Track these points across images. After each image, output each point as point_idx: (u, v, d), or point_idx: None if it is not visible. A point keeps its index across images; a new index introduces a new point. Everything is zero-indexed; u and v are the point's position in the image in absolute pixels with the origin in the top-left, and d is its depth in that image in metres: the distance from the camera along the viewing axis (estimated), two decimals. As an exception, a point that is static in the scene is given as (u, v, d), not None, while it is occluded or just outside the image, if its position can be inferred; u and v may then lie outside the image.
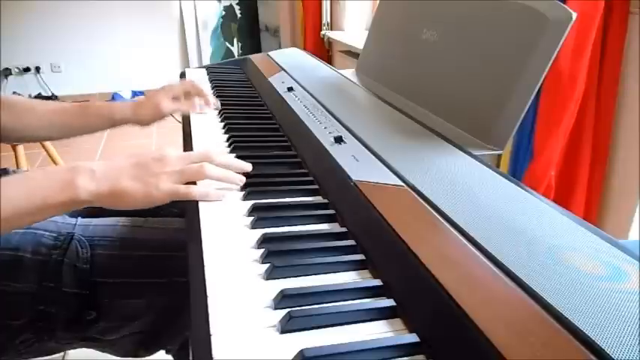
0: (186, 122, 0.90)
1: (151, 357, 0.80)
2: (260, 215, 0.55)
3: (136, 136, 3.25)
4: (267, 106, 0.99)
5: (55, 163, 2.32)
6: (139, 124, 0.91)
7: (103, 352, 0.77)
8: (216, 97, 1.03)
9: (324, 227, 0.55)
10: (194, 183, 0.58)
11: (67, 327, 0.68)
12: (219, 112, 0.94)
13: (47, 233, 0.68)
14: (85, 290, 0.67)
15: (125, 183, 0.54)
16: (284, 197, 0.61)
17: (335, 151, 0.67)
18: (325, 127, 0.76)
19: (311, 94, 0.93)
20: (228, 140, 0.79)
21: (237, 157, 0.71)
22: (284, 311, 0.39)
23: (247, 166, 0.63)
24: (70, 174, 0.53)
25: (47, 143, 2.29)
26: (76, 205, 0.54)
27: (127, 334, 0.73)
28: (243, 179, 0.61)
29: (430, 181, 0.55)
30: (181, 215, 0.84)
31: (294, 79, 1.05)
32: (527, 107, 0.65)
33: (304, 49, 1.92)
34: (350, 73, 1.12)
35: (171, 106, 0.92)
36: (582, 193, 1.14)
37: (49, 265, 0.66)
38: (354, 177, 0.58)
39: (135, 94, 3.89)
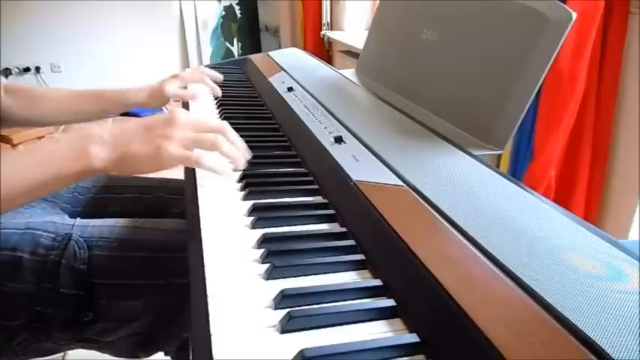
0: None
1: (149, 358, 0.80)
2: (260, 215, 0.55)
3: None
4: (267, 106, 0.99)
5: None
6: (150, 107, 0.97)
7: (102, 352, 0.77)
8: (217, 97, 1.03)
9: (324, 227, 0.55)
10: None
11: (65, 328, 0.68)
12: (219, 113, 0.94)
13: (45, 234, 0.68)
14: (83, 291, 0.67)
15: (135, 146, 0.53)
16: (284, 197, 0.61)
17: (335, 151, 0.67)
18: (325, 127, 0.76)
19: (311, 94, 0.93)
20: (228, 140, 0.79)
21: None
22: (284, 311, 0.39)
23: (248, 152, 0.62)
24: (83, 143, 0.52)
25: (47, 143, 2.29)
26: (90, 174, 0.53)
27: (124, 335, 0.73)
28: (244, 163, 0.60)
29: (430, 181, 0.55)
30: (181, 216, 0.84)
31: (294, 79, 1.05)
32: (527, 107, 0.65)
33: (304, 49, 1.92)
34: (350, 73, 1.12)
35: (175, 92, 0.96)
36: (582, 193, 1.14)
37: (46, 266, 0.65)
38: (354, 177, 0.58)
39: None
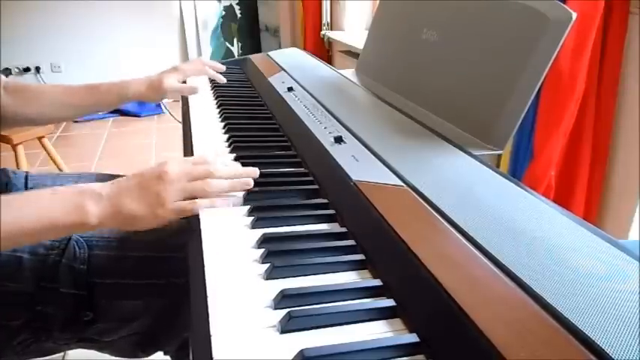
0: (186, 122, 0.90)
1: (150, 358, 0.80)
2: (260, 215, 0.55)
3: (136, 136, 3.25)
4: (267, 106, 0.99)
5: (55, 163, 2.32)
6: (149, 100, 0.97)
7: (102, 352, 0.77)
8: (216, 97, 1.03)
9: (324, 227, 0.55)
10: None
11: (65, 327, 0.68)
12: (219, 113, 0.94)
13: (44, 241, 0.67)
14: (83, 291, 0.67)
15: (130, 205, 0.54)
16: (284, 197, 0.61)
17: (335, 151, 0.67)
18: (325, 127, 0.76)
19: (311, 94, 0.93)
20: (228, 140, 0.79)
21: (237, 157, 0.71)
22: (284, 311, 0.39)
23: (254, 172, 0.62)
24: (80, 197, 0.53)
25: (47, 143, 2.29)
26: (85, 229, 0.54)
27: (124, 335, 0.73)
28: (250, 183, 0.60)
29: (430, 181, 0.55)
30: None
31: (294, 79, 1.05)
32: (527, 107, 0.65)
33: (304, 49, 1.92)
34: (350, 73, 1.12)
35: (174, 86, 0.96)
36: (582, 193, 1.14)
37: (46, 266, 0.65)
38: (354, 177, 0.58)
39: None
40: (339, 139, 0.69)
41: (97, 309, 0.68)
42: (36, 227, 0.51)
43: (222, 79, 1.05)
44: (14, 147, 2.10)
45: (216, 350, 0.36)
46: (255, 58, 1.35)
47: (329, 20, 2.78)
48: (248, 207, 0.57)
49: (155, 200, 0.54)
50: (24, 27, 3.58)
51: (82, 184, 0.55)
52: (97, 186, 0.55)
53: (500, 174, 0.56)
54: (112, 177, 0.94)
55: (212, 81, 1.16)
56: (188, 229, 0.55)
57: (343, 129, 0.74)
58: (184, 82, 1.02)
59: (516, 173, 1.22)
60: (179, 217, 0.56)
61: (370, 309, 0.40)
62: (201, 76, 1.13)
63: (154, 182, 0.56)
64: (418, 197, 0.52)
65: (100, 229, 0.70)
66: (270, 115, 0.93)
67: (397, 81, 0.93)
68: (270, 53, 1.33)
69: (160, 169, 0.57)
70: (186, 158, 0.61)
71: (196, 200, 0.56)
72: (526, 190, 0.52)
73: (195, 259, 0.47)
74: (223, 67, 1.10)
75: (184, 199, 0.56)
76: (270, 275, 0.45)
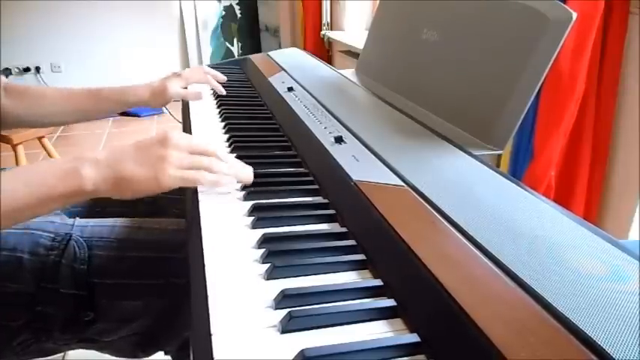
0: (186, 122, 0.90)
1: (150, 358, 0.80)
2: (260, 215, 0.55)
3: (136, 136, 3.25)
4: (267, 106, 0.99)
5: (54, 163, 2.32)
6: (151, 106, 0.96)
7: (102, 352, 0.77)
8: (216, 97, 1.03)
9: (324, 227, 0.55)
10: None
11: (65, 328, 0.68)
12: (219, 113, 0.94)
13: (45, 234, 0.67)
14: (83, 291, 0.67)
15: (130, 168, 0.52)
16: (284, 197, 0.61)
17: (335, 151, 0.67)
18: (325, 127, 0.76)
19: (311, 94, 0.93)
20: (228, 140, 0.79)
21: (237, 157, 0.71)
22: (284, 311, 0.39)
23: (250, 176, 0.61)
24: (74, 163, 0.51)
25: (47, 143, 2.29)
26: (82, 197, 0.52)
27: (124, 335, 0.73)
28: (251, 177, 0.60)
29: (430, 181, 0.55)
30: (180, 216, 0.84)
31: (294, 79, 1.05)
32: (527, 107, 0.65)
33: (304, 49, 1.92)
34: (350, 73, 1.12)
35: (178, 92, 0.95)
36: (582, 193, 1.14)
37: (46, 266, 0.65)
38: (354, 177, 0.58)
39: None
40: (339, 139, 0.69)
41: (97, 309, 0.68)
42: (32, 199, 0.49)
43: (222, 91, 1.03)
44: (14, 147, 2.10)
45: (216, 350, 0.36)
46: (255, 58, 1.35)
47: (329, 20, 2.78)
48: (248, 207, 0.57)
49: (157, 163, 0.52)
50: (24, 27, 3.58)
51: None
52: (94, 153, 0.53)
53: (501, 174, 0.56)
54: None
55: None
56: (188, 229, 0.55)
57: (343, 129, 0.74)
58: (186, 88, 1.01)
59: (516, 173, 1.22)
60: (181, 185, 0.54)
61: (371, 309, 0.40)
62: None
63: (155, 146, 0.54)
64: (418, 197, 0.52)
65: (100, 230, 0.71)
66: (270, 115, 0.93)
67: (397, 81, 0.93)
68: (270, 53, 1.33)
69: (161, 134, 0.55)
70: (188, 135, 0.60)
71: (202, 171, 0.55)
72: (526, 190, 0.52)
73: (196, 259, 0.47)
74: (224, 78, 1.09)
75: (186, 168, 0.54)
76: (270, 275, 0.45)
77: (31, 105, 0.87)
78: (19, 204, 0.50)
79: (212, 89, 1.10)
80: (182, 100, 1.03)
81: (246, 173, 0.60)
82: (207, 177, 0.55)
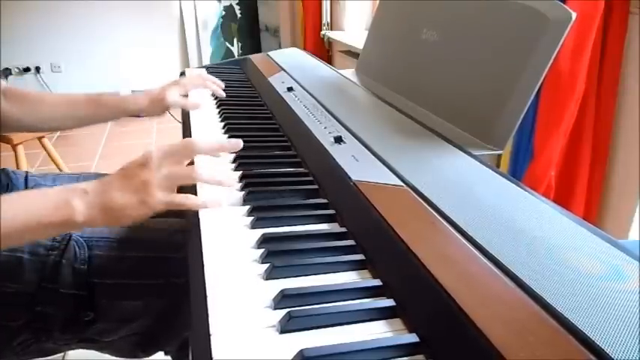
0: (186, 122, 0.90)
1: (150, 358, 0.80)
2: (260, 215, 0.55)
3: (136, 136, 3.25)
4: (267, 106, 0.99)
5: (55, 163, 2.32)
6: (150, 114, 0.96)
7: (102, 352, 0.77)
8: (216, 97, 1.03)
9: (324, 227, 0.55)
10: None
11: (65, 328, 0.68)
12: (219, 113, 0.94)
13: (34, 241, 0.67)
14: (83, 291, 0.67)
15: (117, 197, 0.53)
16: (284, 197, 0.60)
17: (335, 151, 0.67)
18: (325, 127, 0.76)
19: (311, 94, 0.93)
20: (228, 140, 0.79)
21: (237, 157, 0.71)
22: (284, 311, 0.39)
23: (238, 143, 0.61)
24: (65, 194, 0.52)
25: (47, 143, 2.29)
26: (73, 227, 0.53)
27: (124, 335, 0.73)
28: (235, 180, 0.60)
29: (430, 181, 0.55)
30: (180, 216, 0.84)
31: (294, 79, 1.05)
32: (527, 107, 0.65)
33: (304, 49, 1.92)
34: (350, 73, 1.12)
35: (176, 101, 0.95)
36: (582, 193, 1.14)
37: (46, 266, 0.65)
38: (354, 177, 0.58)
39: (135, 93, 3.88)
40: (339, 139, 0.69)
41: (97, 309, 0.68)
42: (24, 226, 0.50)
43: (222, 94, 1.04)
44: (14, 147, 2.10)
45: (215, 350, 0.36)
46: (255, 58, 1.35)
47: (329, 20, 2.78)
48: (248, 207, 0.57)
49: (141, 188, 0.53)
50: (24, 27, 3.58)
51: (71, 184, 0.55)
52: (84, 184, 0.54)
53: (500, 174, 0.56)
54: None
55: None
56: (187, 230, 0.55)
57: (343, 129, 0.74)
58: (186, 95, 1.01)
59: (516, 173, 1.21)
60: (168, 208, 0.55)
61: (370, 309, 0.40)
62: (200, 74, 1.14)
63: (137, 170, 0.54)
64: (418, 197, 0.52)
65: (100, 230, 0.71)
66: (270, 115, 0.93)
67: (397, 81, 0.93)
68: (270, 53, 1.33)
69: (142, 156, 0.55)
70: (169, 144, 0.60)
71: (188, 196, 0.56)
72: (526, 190, 0.52)
73: (195, 259, 0.47)
74: (222, 84, 1.08)
75: (172, 186, 0.55)
76: (270, 275, 0.45)
77: (31, 110, 0.87)
78: (14, 229, 0.50)
79: (214, 102, 1.10)
80: (181, 112, 1.03)
81: (231, 179, 0.60)
82: (192, 201, 0.56)
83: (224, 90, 1.05)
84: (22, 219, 0.50)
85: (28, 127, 0.91)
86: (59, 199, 0.52)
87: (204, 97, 1.05)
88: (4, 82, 0.86)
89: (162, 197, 0.54)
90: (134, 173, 0.54)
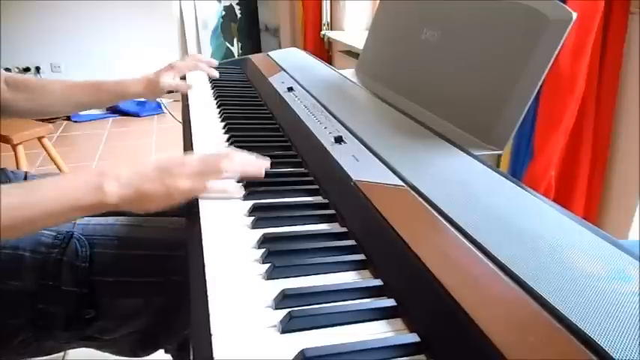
0: (186, 122, 0.90)
1: (151, 357, 0.80)
2: (260, 215, 0.55)
3: (136, 136, 3.25)
4: (267, 106, 0.99)
5: (55, 163, 2.32)
6: (147, 98, 1.02)
7: (102, 351, 0.77)
8: (216, 97, 1.03)
9: (324, 227, 0.55)
10: None
11: (66, 326, 0.68)
12: (219, 113, 0.94)
13: (46, 232, 0.68)
14: (84, 289, 0.67)
15: (147, 186, 0.55)
16: (284, 197, 0.61)
17: (335, 151, 0.67)
18: (325, 127, 0.76)
19: (311, 94, 0.93)
20: (228, 140, 0.79)
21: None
22: (284, 311, 0.39)
23: (266, 162, 0.63)
24: (99, 178, 0.54)
25: (47, 143, 2.29)
26: (104, 208, 0.55)
27: (125, 333, 0.73)
28: (262, 173, 0.61)
29: (430, 181, 0.55)
30: (181, 215, 0.84)
31: (294, 79, 1.05)
32: (527, 107, 0.65)
33: (304, 49, 1.92)
34: (350, 73, 1.12)
35: (170, 84, 1.00)
36: (582, 193, 1.14)
37: (48, 264, 0.66)
38: (354, 177, 0.58)
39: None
40: (339, 139, 0.69)
41: (98, 307, 0.68)
42: (57, 208, 0.52)
43: (216, 74, 1.10)
44: (14, 147, 2.10)
45: (216, 350, 0.36)
46: (255, 58, 1.35)
47: (329, 20, 2.78)
48: (248, 207, 0.57)
49: (170, 181, 0.55)
50: (24, 27, 3.58)
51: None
52: (118, 168, 0.56)
53: (501, 174, 0.56)
54: None
55: (212, 81, 1.16)
56: (188, 229, 0.55)
57: (343, 129, 0.74)
58: (182, 78, 1.06)
59: (516, 173, 1.22)
60: (192, 195, 0.57)
61: (371, 309, 0.40)
62: (200, 75, 1.14)
63: (172, 165, 0.57)
64: (418, 197, 0.52)
65: (101, 228, 0.71)
66: (270, 115, 0.93)
67: (397, 81, 0.93)
68: (270, 53, 1.33)
69: (181, 157, 0.59)
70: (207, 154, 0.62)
71: (210, 181, 0.57)
72: (526, 190, 0.52)
73: (196, 259, 0.47)
74: (215, 62, 1.14)
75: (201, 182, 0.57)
76: (270, 275, 0.45)
77: (33, 97, 0.91)
78: (48, 211, 0.52)
79: (212, 89, 1.10)
80: (182, 100, 1.04)
81: (257, 166, 0.61)
82: (214, 186, 0.57)
83: (224, 90, 1.05)
84: (58, 202, 0.53)
85: (29, 113, 0.94)
86: (93, 183, 0.54)
87: (203, 90, 1.07)
88: (4, 72, 0.88)
89: (185, 187, 0.56)
90: (168, 167, 0.57)
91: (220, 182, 0.58)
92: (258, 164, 0.61)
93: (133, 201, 0.55)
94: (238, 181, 0.62)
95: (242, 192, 0.60)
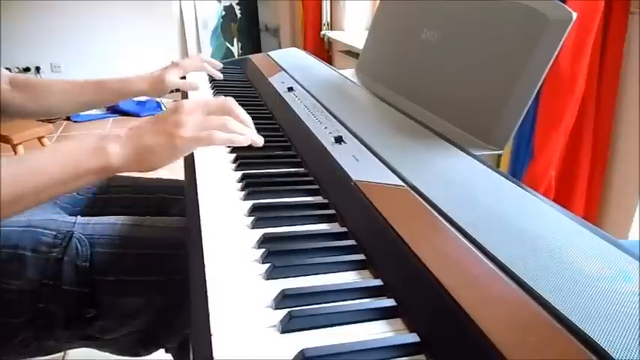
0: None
1: (151, 356, 0.80)
2: (260, 215, 0.55)
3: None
4: (267, 106, 0.99)
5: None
6: (151, 95, 1.02)
7: (103, 350, 0.77)
8: (215, 85, 1.04)
9: (324, 227, 0.55)
10: None
11: (67, 325, 0.68)
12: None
13: (47, 231, 0.68)
14: (85, 288, 0.67)
15: (148, 139, 0.54)
16: (284, 197, 0.61)
17: (335, 151, 0.67)
18: (325, 127, 0.76)
19: (311, 94, 0.93)
20: (228, 140, 0.79)
21: (237, 157, 0.71)
22: (284, 311, 0.39)
23: (259, 140, 0.62)
24: (101, 141, 0.54)
25: (47, 143, 2.29)
26: (109, 172, 0.54)
27: (126, 332, 0.73)
28: (261, 141, 0.61)
29: (430, 181, 0.55)
30: (181, 214, 0.84)
31: (294, 79, 1.05)
32: (527, 107, 0.65)
33: (304, 49, 1.92)
34: (350, 73, 1.12)
35: (176, 82, 1.01)
36: (582, 193, 1.14)
37: (48, 263, 0.66)
38: (354, 177, 0.58)
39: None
40: (339, 139, 0.69)
41: (99, 306, 0.68)
42: (63, 174, 0.52)
43: (220, 75, 1.11)
44: (14, 147, 2.10)
45: (216, 350, 0.36)
46: (255, 58, 1.35)
47: (329, 20, 2.78)
48: (248, 207, 0.57)
49: (173, 129, 0.55)
50: (24, 27, 3.58)
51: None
52: (116, 131, 0.56)
53: (501, 174, 0.56)
54: (108, 178, 0.94)
55: (212, 80, 1.16)
56: (188, 229, 0.55)
57: (343, 129, 0.74)
58: (184, 77, 1.06)
59: (516, 173, 1.22)
60: (196, 146, 0.56)
61: (370, 309, 0.40)
62: (200, 75, 1.15)
63: (170, 114, 0.56)
64: (418, 197, 0.52)
65: (102, 228, 0.71)
66: (270, 115, 0.93)
67: (397, 81, 0.93)
68: (270, 53, 1.33)
69: (175, 104, 0.58)
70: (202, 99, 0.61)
71: (215, 131, 0.56)
72: (526, 190, 0.52)
73: (196, 259, 0.47)
74: (220, 65, 1.15)
75: (202, 131, 0.56)
76: (270, 275, 0.45)
77: (37, 97, 0.91)
78: (54, 179, 0.52)
79: (212, 89, 1.10)
80: (181, 99, 1.04)
81: (259, 137, 0.61)
82: (220, 136, 0.56)
83: (224, 90, 1.05)
84: (63, 167, 0.52)
85: (34, 113, 0.95)
86: (96, 145, 0.54)
87: (202, 90, 1.07)
88: (5, 71, 0.88)
89: (189, 135, 0.55)
90: (167, 117, 0.56)
91: (225, 133, 0.57)
92: (249, 135, 0.59)
93: (137, 158, 0.54)
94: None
95: (248, 141, 0.59)
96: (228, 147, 0.77)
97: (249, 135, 0.59)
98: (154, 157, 0.55)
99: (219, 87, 1.11)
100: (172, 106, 0.57)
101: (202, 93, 1.06)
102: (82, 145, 0.54)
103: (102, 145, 0.53)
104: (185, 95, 1.03)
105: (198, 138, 0.55)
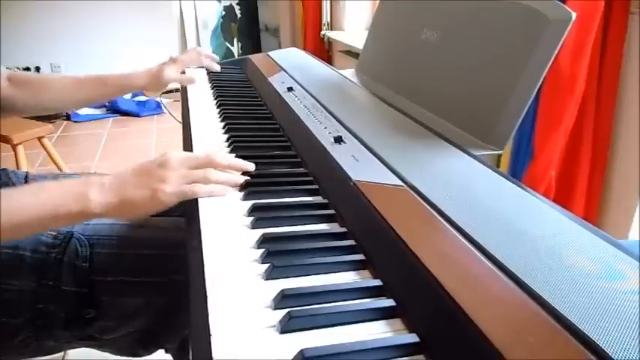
0: (186, 122, 0.90)
1: (151, 356, 0.80)
2: (260, 215, 0.55)
3: (136, 136, 3.25)
4: (267, 106, 0.99)
5: (55, 163, 2.32)
6: (150, 90, 1.03)
7: (102, 351, 0.77)
8: (216, 97, 1.04)
9: (324, 227, 0.55)
10: None
11: (66, 325, 0.68)
12: (219, 113, 0.94)
13: (46, 232, 0.68)
14: (85, 288, 0.67)
15: (132, 192, 0.55)
16: (284, 197, 0.61)
17: (335, 151, 0.67)
18: (325, 127, 0.76)
19: (311, 94, 0.93)
20: (228, 140, 0.79)
21: (237, 157, 0.71)
22: (284, 311, 0.39)
23: (250, 166, 0.64)
24: (83, 187, 0.54)
25: (47, 143, 2.29)
26: (88, 217, 0.55)
27: (125, 333, 0.73)
28: (244, 179, 0.62)
29: (430, 181, 0.55)
30: (181, 215, 0.84)
31: (294, 79, 1.05)
32: (527, 107, 0.65)
33: (304, 49, 1.92)
34: (350, 73, 1.12)
35: (174, 77, 1.02)
36: (582, 193, 1.14)
37: (48, 264, 0.66)
38: (354, 177, 0.58)
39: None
40: (339, 139, 0.69)
41: (98, 306, 0.68)
42: (40, 215, 0.52)
43: (217, 68, 1.13)
44: (14, 147, 2.10)
45: (215, 350, 0.36)
46: (255, 58, 1.35)
47: (329, 20, 2.78)
48: (248, 207, 0.57)
49: (157, 185, 0.55)
50: (24, 27, 3.58)
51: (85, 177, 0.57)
52: (100, 177, 0.56)
53: (501, 174, 0.56)
54: None
55: (212, 81, 1.16)
56: (187, 229, 0.55)
57: (343, 129, 0.74)
58: (183, 72, 1.07)
59: (516, 173, 1.22)
60: (178, 200, 0.57)
61: (370, 309, 0.40)
62: (200, 74, 1.15)
63: (155, 168, 0.57)
64: (418, 197, 0.52)
65: (101, 228, 0.71)
66: (270, 115, 0.93)
67: (397, 81, 0.93)
68: (270, 53, 1.33)
69: (161, 157, 0.58)
70: (187, 152, 0.63)
71: (196, 184, 0.57)
72: (526, 190, 0.52)
73: (195, 259, 0.47)
74: (217, 57, 1.17)
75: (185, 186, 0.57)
76: (270, 275, 0.45)
77: (37, 93, 0.91)
78: (31, 218, 0.52)
79: (212, 89, 1.10)
80: (181, 99, 1.04)
81: (241, 179, 0.62)
82: (201, 189, 0.58)
83: (224, 90, 1.05)
84: (40, 209, 0.52)
85: (34, 110, 0.97)
86: (77, 191, 0.54)
87: (202, 90, 1.08)
88: (4, 69, 0.88)
89: (173, 191, 0.56)
90: (151, 170, 0.57)
91: (206, 186, 0.58)
92: (239, 179, 0.61)
93: (118, 208, 0.55)
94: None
95: (228, 190, 0.60)
96: (228, 147, 0.77)
97: (234, 181, 0.61)
98: (135, 210, 0.56)
99: (219, 87, 1.11)
100: (159, 158, 0.58)
101: (202, 92, 1.06)
102: (64, 188, 0.55)
103: (84, 191, 0.54)
104: (184, 91, 1.04)
105: (181, 192, 0.56)
